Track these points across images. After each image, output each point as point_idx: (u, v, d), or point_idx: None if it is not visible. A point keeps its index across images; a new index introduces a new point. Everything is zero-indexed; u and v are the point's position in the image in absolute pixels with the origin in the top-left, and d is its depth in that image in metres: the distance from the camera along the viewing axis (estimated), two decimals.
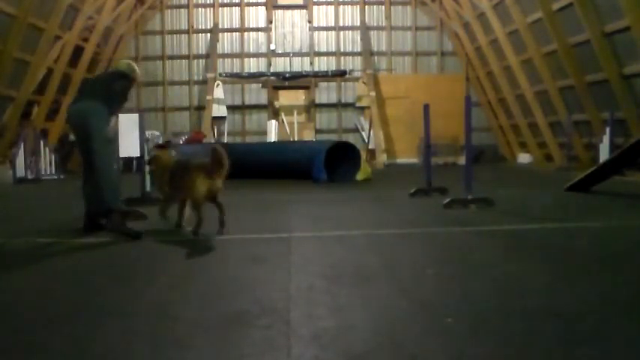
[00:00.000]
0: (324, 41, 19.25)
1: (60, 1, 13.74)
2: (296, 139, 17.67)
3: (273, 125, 17.60)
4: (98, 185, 5.14)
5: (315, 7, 19.25)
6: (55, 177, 13.46)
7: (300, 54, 19.17)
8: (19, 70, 13.38)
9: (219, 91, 18.06)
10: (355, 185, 10.38)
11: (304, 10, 19.25)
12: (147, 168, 7.36)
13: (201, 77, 18.87)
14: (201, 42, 19.14)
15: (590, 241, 4.75)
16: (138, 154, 7.38)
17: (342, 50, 19.19)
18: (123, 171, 8.81)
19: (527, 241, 4.76)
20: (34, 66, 13.82)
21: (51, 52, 14.53)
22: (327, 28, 19.25)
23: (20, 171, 12.17)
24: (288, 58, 19.10)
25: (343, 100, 19.13)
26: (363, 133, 18.29)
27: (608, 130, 11.63)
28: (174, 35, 19.06)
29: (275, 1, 19.14)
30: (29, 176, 12.39)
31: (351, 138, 17.11)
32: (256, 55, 19.18)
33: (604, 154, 11.21)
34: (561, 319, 2.66)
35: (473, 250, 4.44)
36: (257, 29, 19.18)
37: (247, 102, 19.14)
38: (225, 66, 19.00)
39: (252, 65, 19.14)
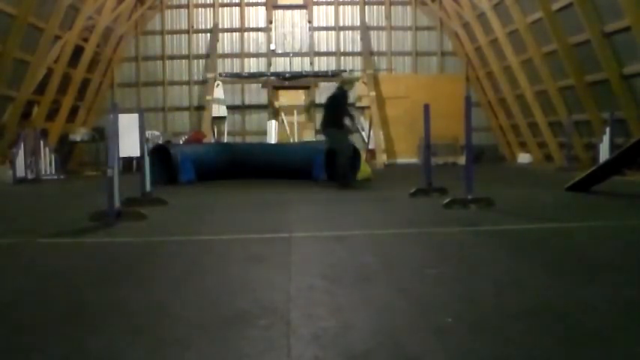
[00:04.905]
0: (324, 41, 19.23)
1: (60, 1, 13.72)
2: (296, 139, 17.64)
3: (273, 125, 17.57)
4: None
5: (315, 7, 19.22)
6: (55, 177, 13.43)
7: (300, 54, 19.14)
8: (19, 70, 13.37)
9: (219, 91, 18.04)
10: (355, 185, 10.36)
11: (304, 10, 19.23)
12: (147, 167, 7.37)
13: (201, 77, 18.85)
14: (201, 42, 19.11)
15: (590, 241, 4.75)
16: (138, 154, 7.37)
17: (342, 50, 19.17)
18: (123, 171, 8.80)
19: (527, 241, 4.76)
20: (34, 66, 13.80)
21: (51, 52, 14.52)
22: (327, 28, 19.23)
23: (20, 171, 12.14)
24: (288, 58, 19.08)
25: None
26: (363, 133, 18.26)
27: (608, 130, 11.60)
28: (174, 35, 19.04)
29: (275, 1, 19.11)
30: (29, 176, 12.36)
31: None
32: (256, 55, 19.16)
33: (604, 154, 11.19)
34: (561, 319, 2.66)
35: (473, 250, 4.44)
36: (257, 29, 19.16)
37: (247, 102, 19.13)
38: (225, 66, 18.98)
39: (252, 65, 19.12)
